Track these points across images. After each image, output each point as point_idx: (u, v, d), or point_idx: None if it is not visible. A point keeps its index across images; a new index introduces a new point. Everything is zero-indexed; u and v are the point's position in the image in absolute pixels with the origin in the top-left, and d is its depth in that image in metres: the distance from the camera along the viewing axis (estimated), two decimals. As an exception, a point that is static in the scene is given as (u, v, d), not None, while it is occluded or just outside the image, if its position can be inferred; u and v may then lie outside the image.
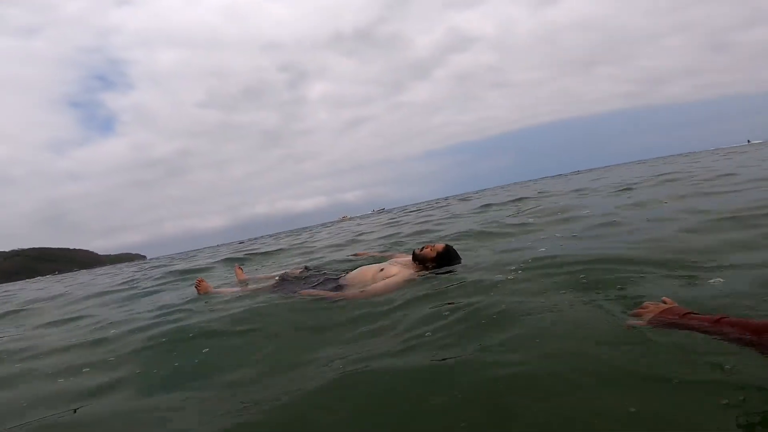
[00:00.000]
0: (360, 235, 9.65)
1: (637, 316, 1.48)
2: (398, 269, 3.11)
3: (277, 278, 3.80)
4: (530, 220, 5.97)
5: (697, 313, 1.30)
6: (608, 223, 4.43)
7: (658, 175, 11.14)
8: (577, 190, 11.11)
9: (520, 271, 2.69)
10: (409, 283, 2.92)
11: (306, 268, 3.98)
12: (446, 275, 2.99)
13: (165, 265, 12.43)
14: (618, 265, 2.46)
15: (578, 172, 42.85)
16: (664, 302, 1.45)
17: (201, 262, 9.92)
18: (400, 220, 12.40)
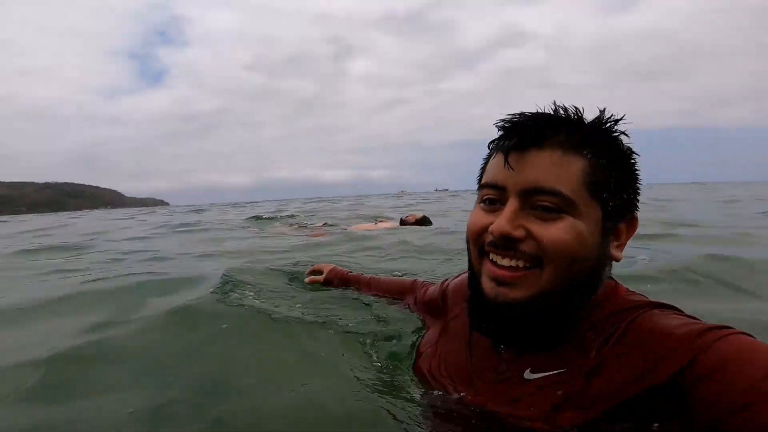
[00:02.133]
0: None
1: (316, 272, 1.81)
2: (389, 224, 5.84)
3: (296, 226, 7.01)
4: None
5: (356, 274, 1.70)
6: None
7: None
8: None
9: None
10: (390, 230, 5.55)
11: (325, 224, 6.66)
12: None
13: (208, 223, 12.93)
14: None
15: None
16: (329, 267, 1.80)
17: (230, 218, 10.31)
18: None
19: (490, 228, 0.70)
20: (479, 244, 0.74)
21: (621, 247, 0.74)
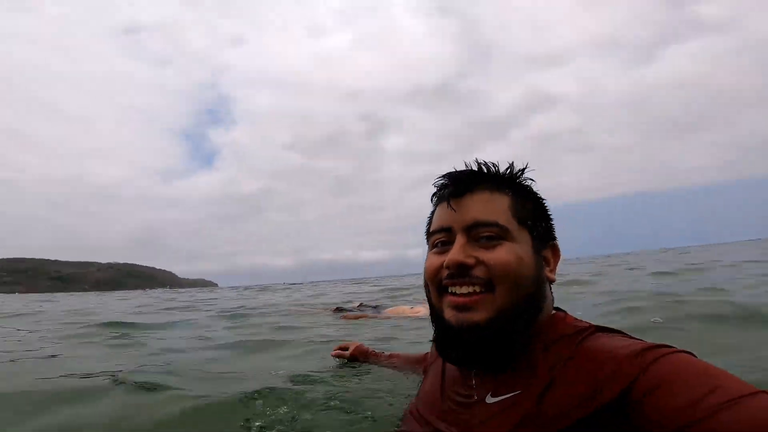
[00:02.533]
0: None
1: (343, 348, 2.07)
2: (424, 311, 4.99)
3: (334, 309, 6.50)
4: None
5: (378, 352, 1.98)
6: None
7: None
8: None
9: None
10: (424, 317, 4.93)
11: (361, 304, 6.86)
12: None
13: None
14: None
15: (665, 250, 36.98)
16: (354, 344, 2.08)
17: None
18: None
19: (445, 262, 0.82)
20: (437, 281, 0.85)
21: (553, 270, 0.88)
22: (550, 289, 0.89)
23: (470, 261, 0.80)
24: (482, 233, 0.82)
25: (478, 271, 0.80)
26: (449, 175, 0.89)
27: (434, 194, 0.92)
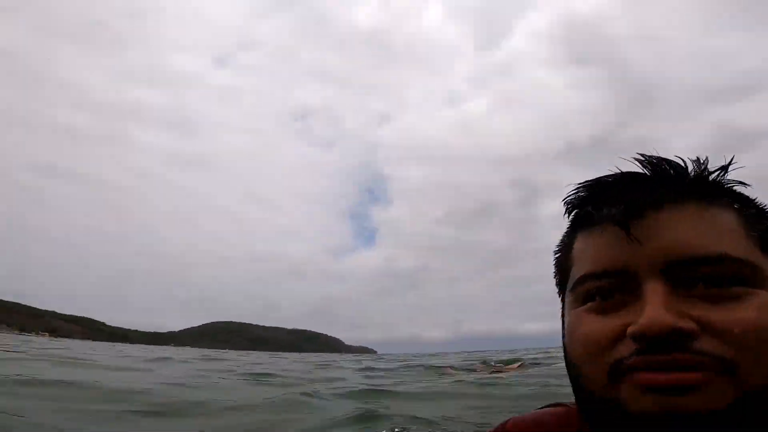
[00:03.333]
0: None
1: None
2: None
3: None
4: None
5: None
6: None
7: None
8: None
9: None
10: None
11: (522, 364, 7.91)
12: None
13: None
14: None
15: None
16: None
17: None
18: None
19: (638, 326, 0.41)
20: (609, 361, 0.43)
21: None
22: None
23: (690, 327, 0.41)
24: (701, 275, 0.43)
25: (705, 344, 0.41)
26: (614, 183, 0.49)
27: (576, 214, 0.52)
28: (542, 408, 0.63)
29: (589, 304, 0.47)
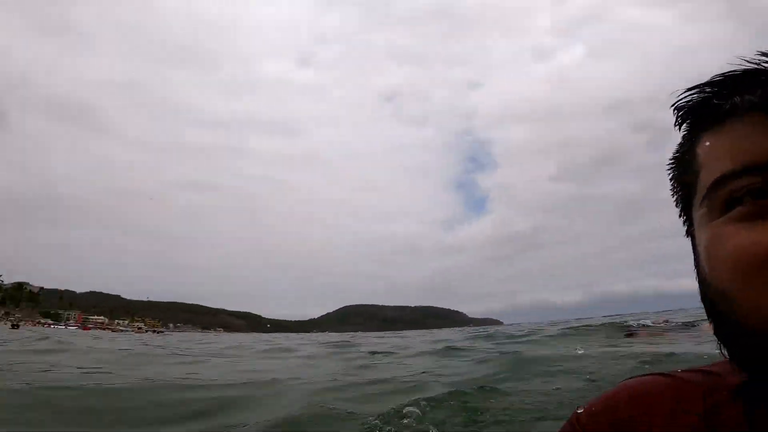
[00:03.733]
0: None
1: None
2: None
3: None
4: None
5: None
6: None
7: None
8: None
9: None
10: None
11: (666, 321, 7.70)
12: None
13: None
14: None
15: None
16: None
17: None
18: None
19: None
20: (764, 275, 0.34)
21: None
22: None
23: None
24: None
25: None
26: (744, 74, 0.39)
27: (699, 113, 0.42)
28: (627, 380, 0.48)
29: (734, 211, 0.36)
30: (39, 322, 72.84)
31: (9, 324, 47.22)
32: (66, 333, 27.86)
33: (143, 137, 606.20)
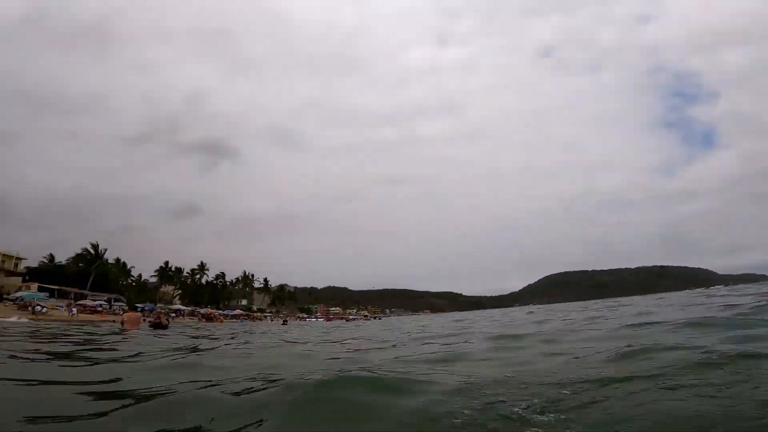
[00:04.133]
0: None
1: None
2: None
3: None
4: None
5: None
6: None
7: None
8: None
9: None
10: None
11: None
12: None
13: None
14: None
15: None
16: None
17: None
18: None
19: None
20: None
21: None
22: None
23: None
24: None
25: None
26: None
27: None
28: None
29: None
30: (298, 317, 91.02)
31: (280, 320, 56.76)
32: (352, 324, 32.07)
33: (329, 143, 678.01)
